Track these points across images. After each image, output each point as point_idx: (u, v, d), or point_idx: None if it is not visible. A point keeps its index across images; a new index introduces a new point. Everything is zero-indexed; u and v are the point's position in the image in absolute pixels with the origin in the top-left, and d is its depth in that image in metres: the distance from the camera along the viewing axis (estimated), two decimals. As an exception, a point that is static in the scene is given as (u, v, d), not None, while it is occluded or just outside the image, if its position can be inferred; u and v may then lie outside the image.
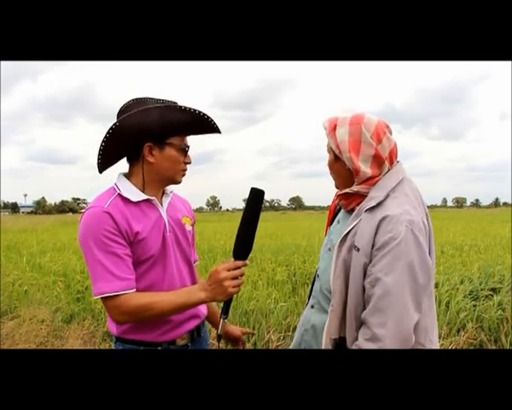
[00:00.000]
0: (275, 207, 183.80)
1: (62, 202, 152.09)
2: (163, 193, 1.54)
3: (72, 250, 9.17)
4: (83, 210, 1.44)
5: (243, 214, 1.32)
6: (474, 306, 4.41)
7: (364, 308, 1.28)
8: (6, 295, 5.18)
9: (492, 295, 4.73)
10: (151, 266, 1.42)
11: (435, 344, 1.37)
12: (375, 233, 1.26)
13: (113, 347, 1.51)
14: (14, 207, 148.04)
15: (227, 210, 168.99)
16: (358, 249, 1.28)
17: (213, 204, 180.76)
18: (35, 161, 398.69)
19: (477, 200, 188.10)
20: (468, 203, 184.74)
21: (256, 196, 1.31)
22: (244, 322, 4.19)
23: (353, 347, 1.28)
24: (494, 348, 3.76)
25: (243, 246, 1.34)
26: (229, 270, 1.31)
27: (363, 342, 1.24)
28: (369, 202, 1.33)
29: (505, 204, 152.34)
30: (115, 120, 1.38)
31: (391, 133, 1.40)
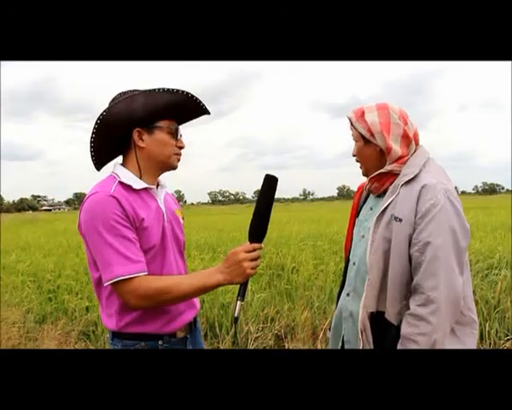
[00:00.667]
0: (240, 200, 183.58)
1: (21, 200, 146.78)
2: (157, 185, 1.53)
3: (39, 249, 8.86)
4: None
5: (258, 199, 1.33)
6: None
7: (411, 277, 1.36)
8: (-28, 297, 4.99)
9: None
10: (152, 257, 1.41)
11: (474, 312, 1.46)
12: (417, 203, 1.35)
13: (108, 344, 1.49)
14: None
15: (192, 204, 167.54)
16: (400, 220, 1.37)
17: (178, 198, 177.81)
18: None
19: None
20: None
21: (270, 182, 1.33)
22: (222, 315, 4.20)
23: (407, 315, 1.35)
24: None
25: (259, 229, 1.34)
26: (247, 251, 1.32)
27: (416, 309, 1.32)
28: (403, 178, 1.42)
29: (463, 193, 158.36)
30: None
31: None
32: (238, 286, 1.34)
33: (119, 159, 1.51)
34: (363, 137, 1.51)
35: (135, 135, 1.42)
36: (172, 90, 1.40)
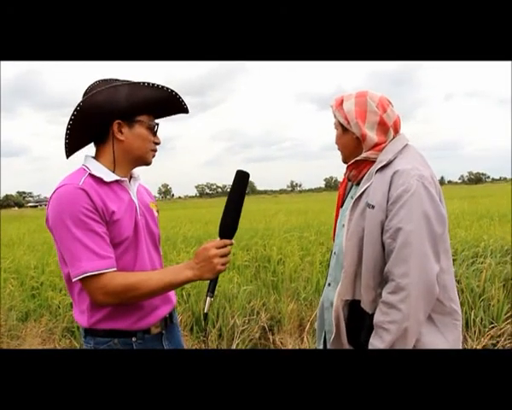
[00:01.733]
0: (227, 193, 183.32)
1: (7, 197, 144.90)
2: (130, 177, 1.50)
3: (23, 246, 8.71)
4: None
5: (229, 195, 1.34)
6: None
7: (384, 264, 1.33)
8: (-48, 296, 4.88)
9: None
10: (124, 250, 1.38)
11: (456, 303, 1.42)
12: (389, 188, 1.33)
13: (83, 342, 1.44)
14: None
15: (179, 198, 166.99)
16: (373, 207, 1.35)
17: (165, 192, 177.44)
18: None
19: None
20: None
21: (241, 178, 1.33)
22: (208, 308, 4.17)
23: (380, 303, 1.33)
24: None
25: (230, 225, 1.34)
26: (217, 248, 1.30)
27: (387, 296, 1.30)
28: (378, 164, 1.40)
29: (450, 182, 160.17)
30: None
31: (393, 107, 1.49)
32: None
33: (91, 151, 1.46)
34: (341, 124, 1.50)
35: (114, 127, 1.38)
36: (157, 85, 1.38)
